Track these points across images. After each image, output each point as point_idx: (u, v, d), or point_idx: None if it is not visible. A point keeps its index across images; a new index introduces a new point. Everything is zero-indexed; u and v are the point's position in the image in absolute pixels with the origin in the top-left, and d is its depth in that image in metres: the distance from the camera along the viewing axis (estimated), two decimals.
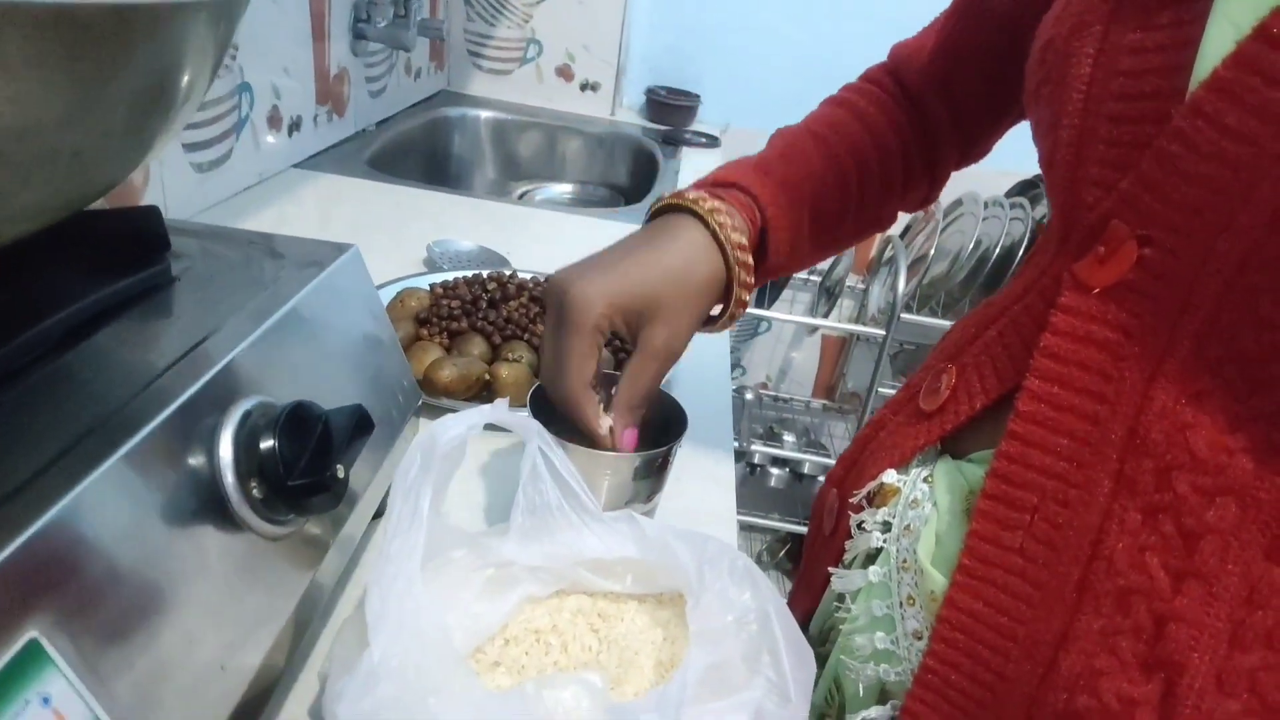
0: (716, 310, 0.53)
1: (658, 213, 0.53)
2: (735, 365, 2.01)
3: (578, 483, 0.39)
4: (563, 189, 1.64)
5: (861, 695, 0.44)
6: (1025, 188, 1.71)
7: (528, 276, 0.79)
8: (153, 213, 0.39)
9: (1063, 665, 0.36)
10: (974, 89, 0.58)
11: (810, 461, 1.85)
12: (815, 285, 1.88)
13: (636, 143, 1.63)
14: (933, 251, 1.65)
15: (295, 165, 1.09)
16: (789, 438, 1.88)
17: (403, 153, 1.39)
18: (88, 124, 0.27)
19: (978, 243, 1.58)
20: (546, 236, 1.03)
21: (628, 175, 1.65)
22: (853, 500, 0.47)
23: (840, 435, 1.99)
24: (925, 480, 0.44)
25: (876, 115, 0.59)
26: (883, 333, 1.54)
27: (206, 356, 0.33)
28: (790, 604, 0.55)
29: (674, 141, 1.60)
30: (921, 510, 0.43)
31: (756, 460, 1.87)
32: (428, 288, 0.73)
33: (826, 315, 1.82)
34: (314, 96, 1.12)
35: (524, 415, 0.43)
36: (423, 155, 1.50)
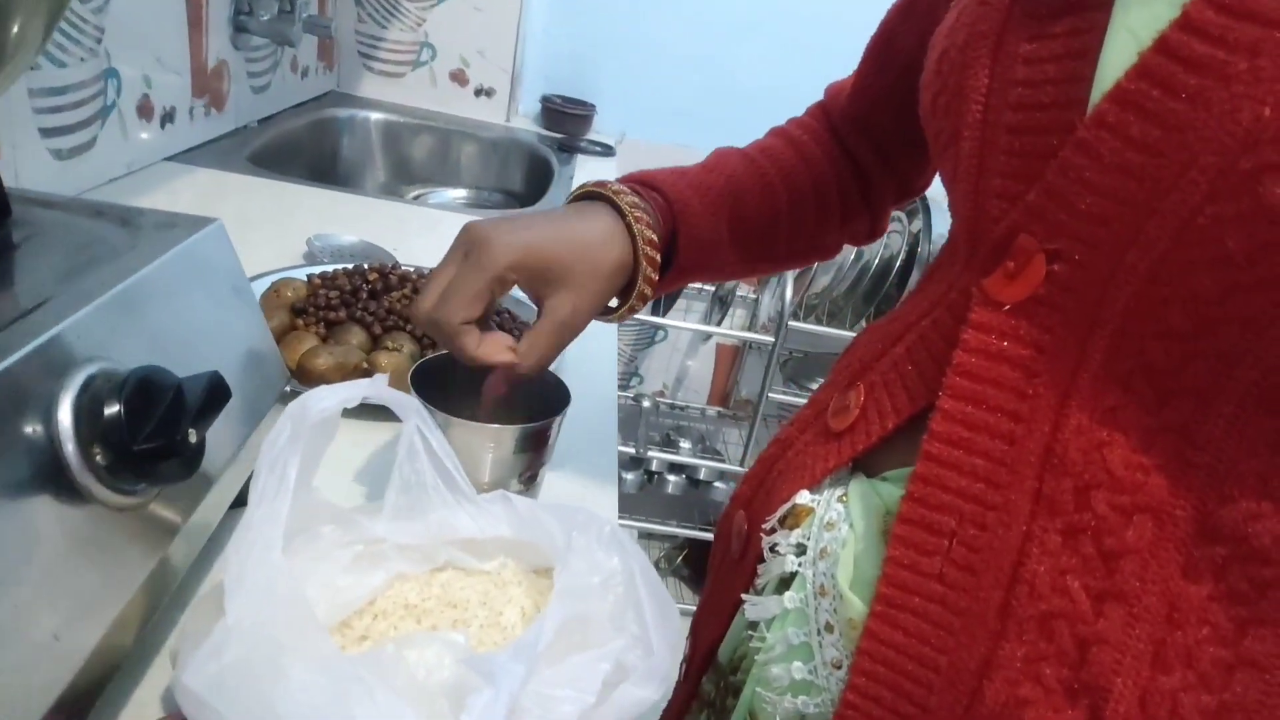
0: (615, 302, 0.54)
1: (578, 198, 0.54)
2: (633, 374, 2.03)
3: (453, 462, 0.38)
4: (456, 194, 1.63)
5: None
6: None
7: (411, 269, 0.78)
8: None
9: (987, 695, 0.35)
10: (892, 129, 0.58)
11: (706, 467, 1.88)
12: (709, 294, 1.92)
13: (531, 149, 1.63)
14: (817, 264, 1.72)
15: (169, 158, 1.05)
16: (685, 444, 1.91)
17: (287, 151, 1.35)
18: None
19: (858, 255, 1.65)
20: (435, 233, 1.02)
21: (523, 181, 1.65)
22: (765, 525, 0.46)
23: (735, 441, 2.04)
24: (840, 500, 0.43)
25: (812, 146, 0.60)
26: (772, 339, 1.58)
27: (41, 322, 0.32)
28: (695, 629, 0.55)
29: (570, 149, 1.61)
30: (838, 532, 0.42)
31: (654, 467, 1.89)
32: (305, 279, 0.71)
33: (720, 323, 1.86)
34: (190, 88, 1.08)
35: (402, 394, 0.43)
36: (309, 155, 1.46)
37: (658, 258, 0.53)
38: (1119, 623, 0.33)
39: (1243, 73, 0.28)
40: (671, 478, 1.94)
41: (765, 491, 0.49)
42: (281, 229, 0.90)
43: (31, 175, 0.79)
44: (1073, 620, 0.34)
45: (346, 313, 0.66)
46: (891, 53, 0.56)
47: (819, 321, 1.67)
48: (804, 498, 0.44)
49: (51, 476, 0.30)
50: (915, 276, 1.60)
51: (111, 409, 0.31)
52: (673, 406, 1.98)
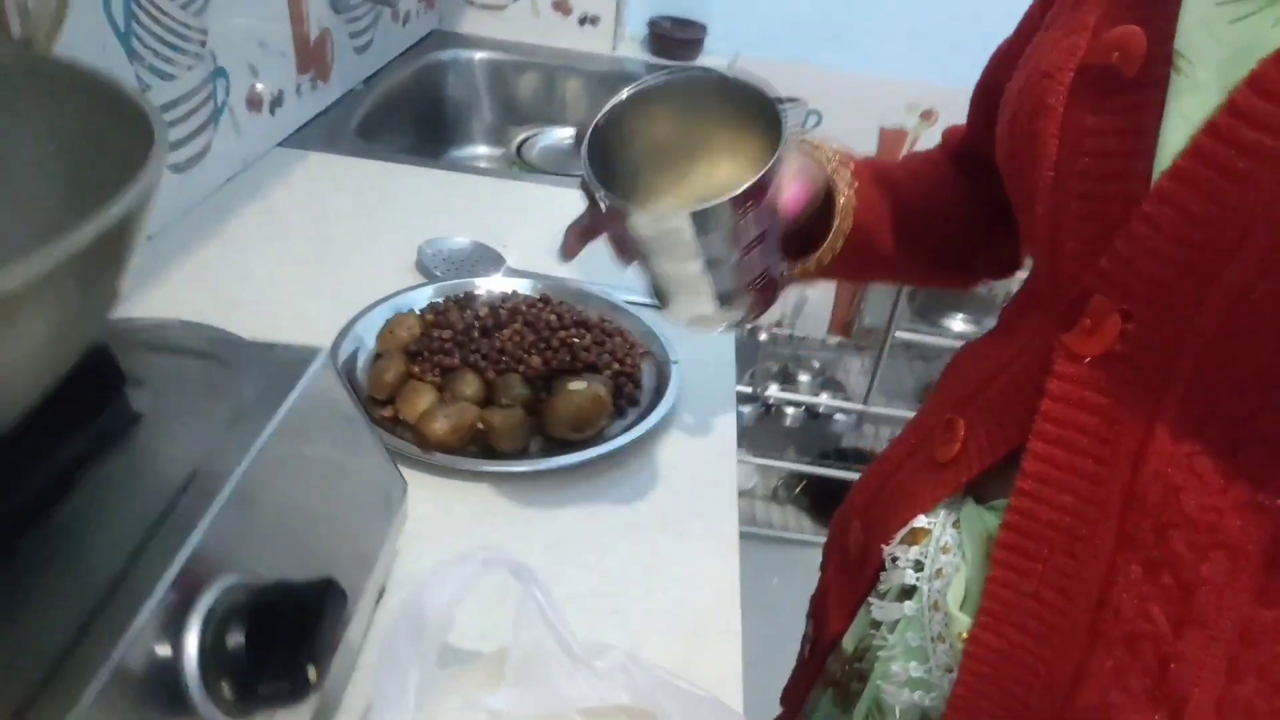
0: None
1: None
2: None
3: (567, 630, 0.37)
4: (564, 133, 1.57)
5: (900, 718, 0.48)
6: None
7: (523, 291, 0.76)
8: (101, 352, 0.36)
9: (1079, 699, 0.39)
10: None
11: (825, 404, 1.83)
12: None
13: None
14: None
15: (280, 144, 1.05)
16: (804, 378, 1.86)
17: (395, 108, 1.33)
18: None
19: None
20: (545, 219, 0.98)
21: None
22: (886, 548, 0.50)
23: (857, 370, 1.97)
24: (954, 525, 0.47)
25: (948, 168, 0.61)
26: None
27: (172, 541, 0.31)
28: (818, 614, 0.61)
29: None
30: (952, 557, 0.46)
31: (771, 401, 1.86)
32: (418, 313, 0.70)
33: None
34: (295, 66, 1.06)
35: (518, 561, 0.40)
36: (416, 106, 1.43)
37: (848, 174, 0.54)
38: (1197, 644, 0.37)
39: None
40: (790, 410, 1.91)
41: (880, 508, 0.53)
42: (393, 228, 0.89)
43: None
44: (1155, 641, 0.38)
45: (460, 355, 0.65)
46: (994, 101, 0.54)
47: None
48: (921, 521, 0.49)
49: (174, 707, 0.30)
50: None
51: (235, 639, 0.30)
52: (790, 337, 1.92)
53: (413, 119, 1.42)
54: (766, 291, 0.48)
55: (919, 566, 0.48)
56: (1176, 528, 0.37)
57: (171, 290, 0.75)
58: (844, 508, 0.59)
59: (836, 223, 0.53)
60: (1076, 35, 0.39)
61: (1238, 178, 0.32)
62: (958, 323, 1.73)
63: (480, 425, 0.60)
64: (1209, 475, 0.36)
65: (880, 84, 1.71)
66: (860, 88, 1.72)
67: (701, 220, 0.41)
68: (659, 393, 0.69)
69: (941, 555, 0.47)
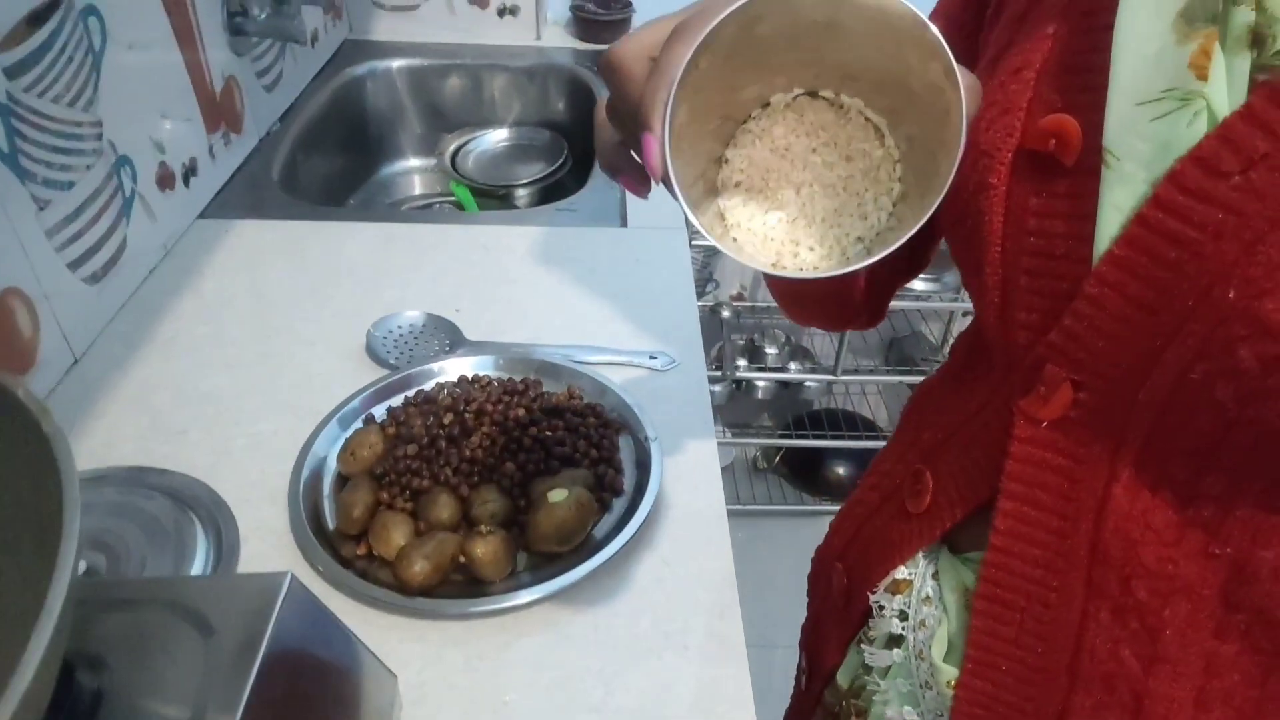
0: None
1: None
2: (708, 280, 1.95)
3: None
4: (498, 136, 1.51)
5: None
6: None
7: (485, 369, 0.72)
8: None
9: None
10: None
11: (794, 377, 1.83)
12: None
13: (569, 73, 1.48)
14: None
15: (201, 215, 0.98)
16: (771, 350, 1.85)
17: (317, 141, 1.26)
18: None
19: None
20: (491, 271, 0.94)
21: (566, 110, 1.51)
22: (872, 596, 0.53)
23: (822, 332, 1.96)
24: (934, 577, 0.50)
25: None
26: None
27: None
28: (808, 646, 0.65)
29: None
30: (934, 609, 0.50)
31: (740, 379, 1.85)
32: (378, 422, 0.66)
33: None
34: (204, 127, 0.99)
35: None
36: (339, 132, 1.36)
37: None
38: (1166, 679, 0.40)
39: (1210, 253, 0.33)
40: (760, 382, 1.90)
41: (860, 554, 0.56)
42: (337, 307, 0.85)
43: (71, 313, 0.75)
44: (1128, 679, 0.41)
45: (429, 473, 0.62)
46: None
47: None
48: (902, 572, 0.51)
49: None
50: None
51: None
52: (753, 309, 1.90)
53: (338, 144, 1.35)
54: None
55: (904, 616, 0.51)
56: (1139, 578, 0.39)
57: (111, 424, 0.70)
58: (824, 547, 0.63)
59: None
60: (1011, 116, 0.40)
61: (1169, 266, 0.34)
62: (918, 281, 1.72)
63: (462, 559, 0.57)
64: (1164, 529, 0.39)
65: None
66: None
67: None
68: (641, 469, 0.67)
69: (924, 607, 0.50)
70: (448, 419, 0.65)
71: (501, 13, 1.51)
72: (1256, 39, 0.32)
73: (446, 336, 0.81)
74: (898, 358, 1.95)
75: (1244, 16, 0.32)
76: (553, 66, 1.49)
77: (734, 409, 1.94)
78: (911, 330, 1.97)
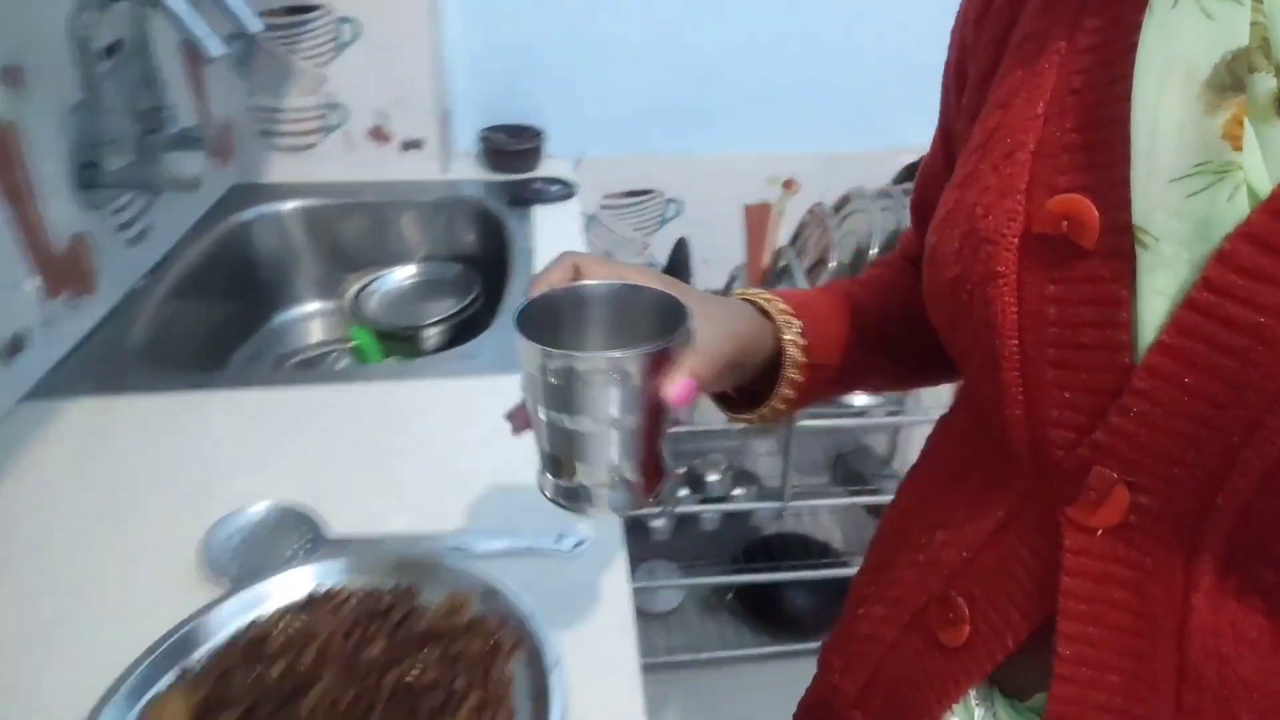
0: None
1: None
2: None
3: None
4: (405, 274, 1.41)
5: None
6: (913, 173, 1.56)
7: (352, 594, 0.59)
8: None
9: None
10: None
11: (740, 502, 1.71)
12: None
13: (478, 205, 1.40)
14: (833, 260, 1.50)
15: (26, 398, 0.84)
16: (713, 477, 1.73)
17: (195, 296, 1.14)
18: None
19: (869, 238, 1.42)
20: (379, 450, 0.81)
21: (477, 243, 1.42)
22: None
23: (764, 453, 1.86)
24: None
25: (910, 269, 0.60)
26: None
27: None
28: None
29: (522, 202, 1.38)
30: None
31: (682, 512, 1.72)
32: (183, 683, 0.52)
33: None
34: (41, 293, 0.86)
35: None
36: (223, 283, 1.24)
37: (799, 339, 0.53)
38: None
39: (1278, 336, 0.30)
40: (705, 516, 1.78)
41: (884, 699, 0.50)
42: (173, 508, 0.70)
43: None
44: None
45: None
46: (925, 213, 0.54)
47: None
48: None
49: None
50: None
51: None
52: (692, 434, 1.79)
53: (221, 295, 1.23)
54: (659, 476, 0.47)
55: None
56: (1238, 699, 0.35)
57: None
58: (827, 695, 0.55)
59: (783, 374, 0.52)
60: (1010, 200, 0.38)
61: (1233, 353, 0.31)
62: (859, 396, 1.64)
63: None
64: (1260, 641, 0.35)
65: (736, 161, 1.62)
66: (717, 168, 1.62)
67: (634, 361, 0.42)
68: (539, 703, 0.53)
69: None
70: (277, 670, 0.51)
71: (406, 147, 1.44)
72: None
73: (306, 533, 0.67)
74: (844, 474, 1.85)
75: (1266, 84, 0.30)
76: (461, 200, 1.41)
77: (678, 544, 1.80)
78: (857, 444, 1.88)
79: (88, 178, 0.94)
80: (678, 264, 1.43)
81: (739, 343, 0.49)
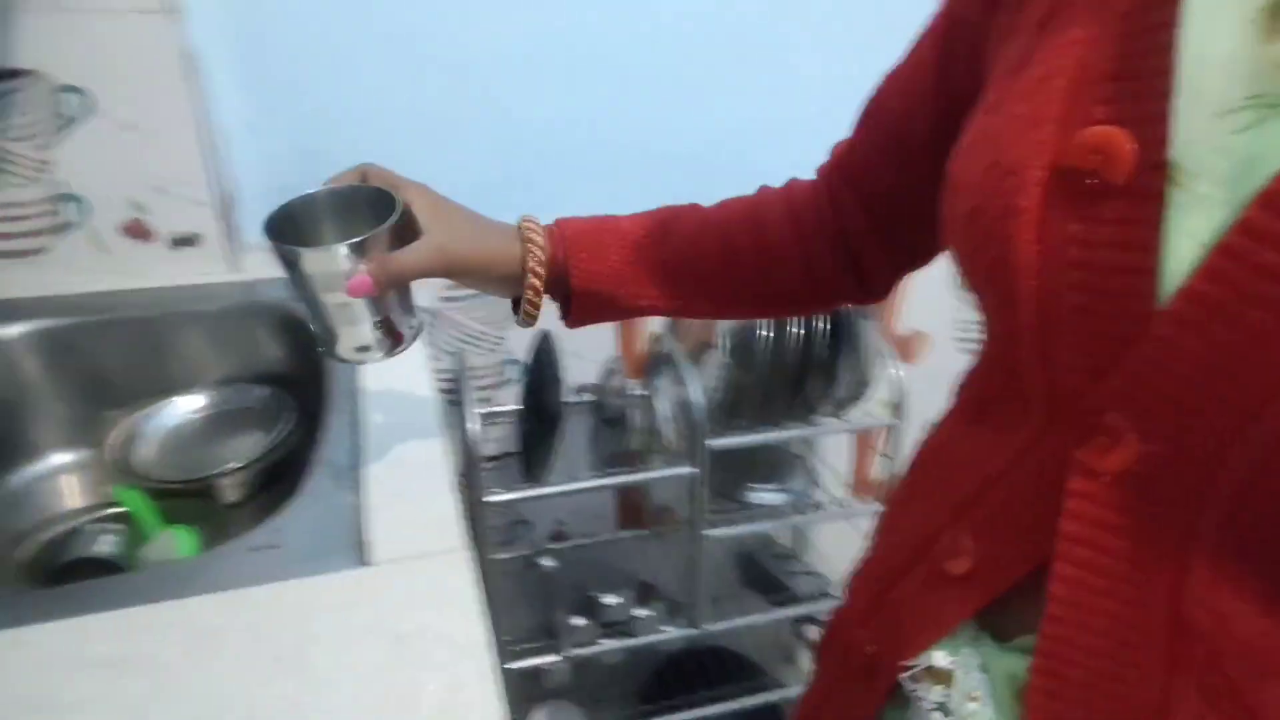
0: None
1: None
2: (519, 522, 1.55)
3: None
4: (191, 405, 1.08)
5: None
6: None
7: None
8: None
9: None
10: (881, 193, 0.58)
11: (647, 635, 1.44)
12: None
13: (281, 311, 1.09)
14: (718, 341, 1.29)
15: None
16: (609, 600, 1.46)
17: None
18: None
19: (777, 340, 1.23)
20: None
21: (287, 357, 1.12)
22: (904, 674, 0.48)
23: (664, 556, 1.61)
24: (980, 669, 0.45)
25: (778, 198, 0.63)
26: (691, 469, 1.15)
27: None
28: (810, 715, 0.60)
29: None
30: (982, 706, 0.45)
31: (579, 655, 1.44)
32: None
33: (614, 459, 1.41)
34: None
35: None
36: None
37: (538, 239, 0.60)
38: None
39: None
40: (610, 645, 1.49)
41: (889, 622, 0.50)
42: None
43: None
44: None
45: None
46: (880, 120, 0.56)
47: (750, 422, 1.25)
48: (941, 660, 0.46)
49: None
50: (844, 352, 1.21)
51: None
52: (581, 547, 1.53)
53: None
54: (399, 335, 0.61)
55: (944, 710, 0.46)
56: (1230, 655, 0.36)
57: None
58: (842, 611, 0.58)
59: (526, 282, 0.60)
60: (1040, 129, 0.36)
61: (1266, 304, 0.30)
62: (766, 493, 1.43)
63: None
64: (1259, 600, 0.35)
65: None
66: None
67: (357, 249, 0.54)
68: None
69: (968, 703, 0.45)
70: None
71: (177, 243, 1.12)
72: None
73: None
74: (755, 575, 1.64)
75: None
76: (259, 305, 1.10)
77: (580, 688, 1.51)
78: (761, 542, 1.68)
79: None
80: (543, 360, 1.19)
81: (482, 255, 0.58)
